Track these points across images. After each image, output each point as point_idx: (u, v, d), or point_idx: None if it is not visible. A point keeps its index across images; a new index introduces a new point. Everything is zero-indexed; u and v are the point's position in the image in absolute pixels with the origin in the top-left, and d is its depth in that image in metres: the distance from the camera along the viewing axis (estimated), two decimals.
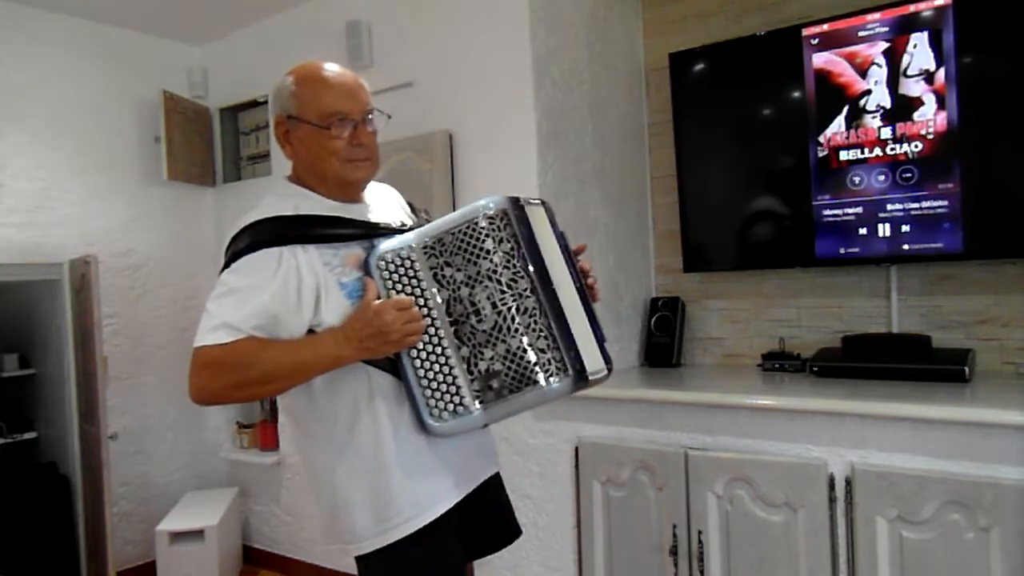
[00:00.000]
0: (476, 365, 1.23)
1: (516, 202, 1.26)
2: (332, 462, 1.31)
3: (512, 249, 1.22)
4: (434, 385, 1.24)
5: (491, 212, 1.23)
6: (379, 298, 1.24)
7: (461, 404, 1.23)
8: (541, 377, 1.19)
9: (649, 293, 2.89)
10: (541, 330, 1.20)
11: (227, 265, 1.25)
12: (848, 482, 1.87)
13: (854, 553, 1.86)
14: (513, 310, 1.21)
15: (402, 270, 1.27)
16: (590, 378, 1.22)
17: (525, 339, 1.20)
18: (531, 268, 1.22)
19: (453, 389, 1.24)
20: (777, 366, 2.46)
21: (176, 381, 3.56)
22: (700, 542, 2.08)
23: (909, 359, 2.16)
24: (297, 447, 1.42)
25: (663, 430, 2.19)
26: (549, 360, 1.20)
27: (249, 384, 1.20)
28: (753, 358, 2.62)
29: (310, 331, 1.26)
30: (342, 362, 1.23)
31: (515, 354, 1.20)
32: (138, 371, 3.42)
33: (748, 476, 2.00)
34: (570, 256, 1.36)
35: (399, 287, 1.26)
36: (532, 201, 1.33)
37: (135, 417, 3.40)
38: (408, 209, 1.52)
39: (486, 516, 1.47)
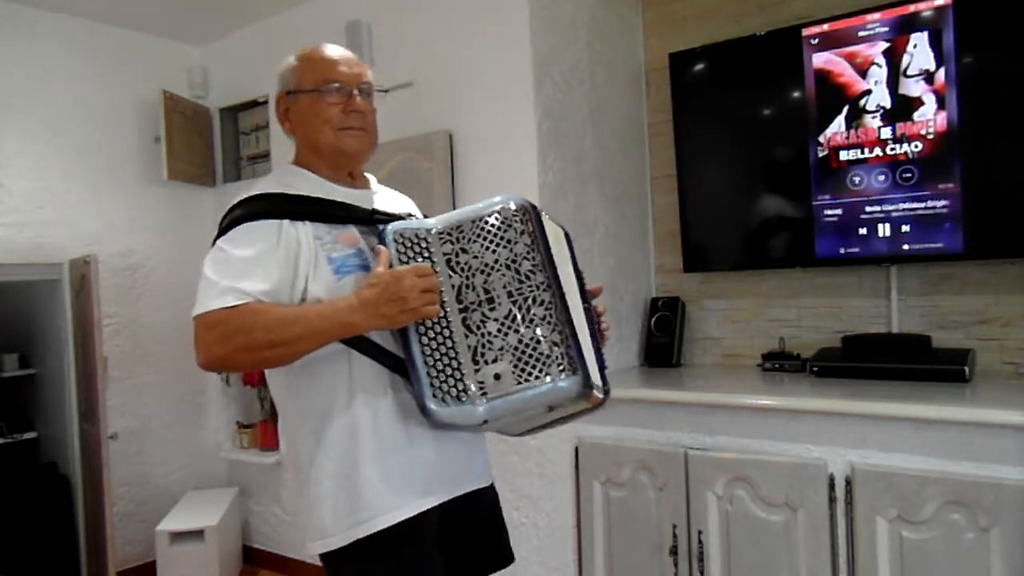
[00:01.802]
0: (483, 356, 1.18)
1: (534, 206, 1.26)
2: (309, 454, 1.27)
3: (533, 243, 1.21)
4: (439, 366, 1.19)
5: (514, 206, 1.23)
6: (391, 267, 1.21)
7: (465, 392, 1.17)
8: (554, 370, 1.15)
9: (649, 293, 2.89)
10: (556, 324, 1.17)
11: (223, 233, 1.24)
12: (848, 482, 1.87)
13: (854, 553, 1.86)
14: (530, 300, 1.19)
15: (417, 248, 1.24)
16: (593, 390, 1.18)
17: (539, 330, 1.17)
18: (547, 265, 1.21)
19: (458, 375, 1.18)
20: (777, 366, 2.46)
21: (176, 381, 3.56)
22: (700, 542, 2.08)
23: (909, 359, 2.16)
24: (282, 440, 1.38)
25: (663, 430, 2.19)
26: (562, 355, 1.16)
27: (256, 348, 1.16)
28: (753, 358, 2.62)
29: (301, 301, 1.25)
30: (353, 330, 1.19)
31: (528, 344, 1.17)
32: (138, 371, 3.42)
33: (748, 476, 2.00)
34: (583, 287, 1.35)
35: (411, 264, 1.22)
36: (553, 219, 1.33)
37: (135, 417, 3.40)
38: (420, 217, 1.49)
39: (474, 535, 1.40)
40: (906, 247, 2.23)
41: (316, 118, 1.31)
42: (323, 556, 1.27)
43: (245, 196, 1.29)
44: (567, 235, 1.40)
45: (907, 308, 2.36)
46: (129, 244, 3.41)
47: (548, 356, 1.16)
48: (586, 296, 1.35)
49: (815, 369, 2.28)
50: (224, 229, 1.25)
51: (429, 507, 1.27)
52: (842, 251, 2.33)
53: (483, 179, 2.57)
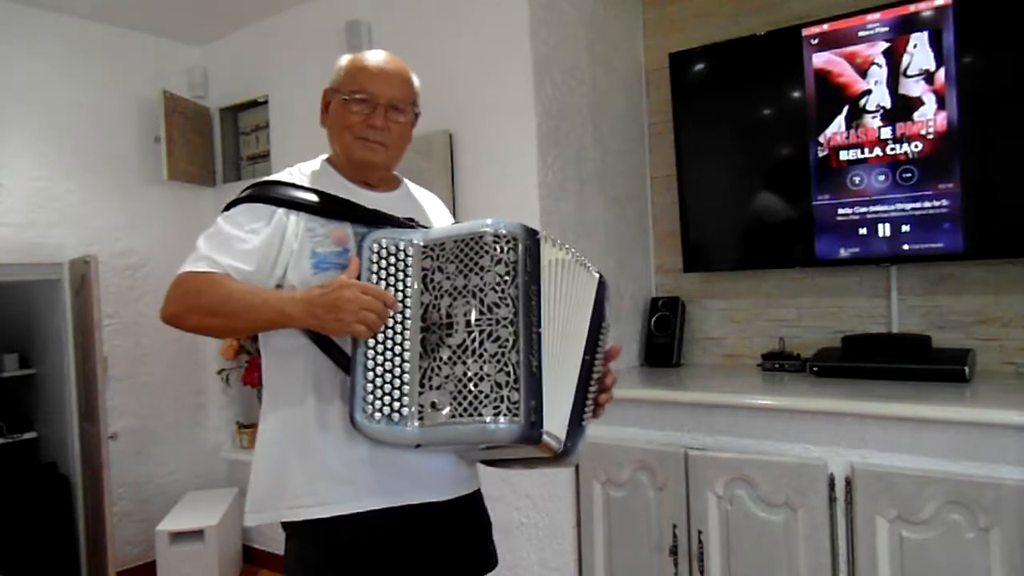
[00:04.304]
0: (430, 380, 1.15)
1: (533, 234, 1.20)
2: (263, 429, 1.35)
3: (507, 274, 1.15)
4: (379, 383, 1.15)
5: (500, 231, 1.17)
6: (358, 278, 1.20)
7: (399, 412, 1.14)
8: (488, 412, 1.10)
9: (649, 293, 2.89)
10: (506, 365, 1.12)
11: (227, 208, 1.33)
12: (848, 482, 1.87)
13: (854, 553, 1.86)
14: (484, 334, 1.13)
15: (392, 259, 1.21)
16: (543, 437, 1.12)
17: (486, 367, 1.12)
18: (520, 300, 1.14)
19: (397, 394, 1.15)
20: (777, 366, 2.46)
21: (176, 381, 3.56)
22: (700, 542, 2.08)
23: (909, 359, 2.16)
24: None
25: (663, 430, 2.19)
26: (503, 398, 1.10)
27: (199, 311, 1.23)
28: (753, 358, 2.62)
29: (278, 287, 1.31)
30: (286, 320, 1.20)
31: (471, 379, 1.12)
32: (138, 371, 3.42)
33: (748, 476, 2.00)
34: (595, 340, 1.29)
35: (383, 275, 1.20)
36: (584, 263, 1.28)
37: (135, 417, 3.40)
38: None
39: (446, 542, 1.37)
40: (906, 247, 2.23)
41: (340, 121, 1.36)
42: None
43: (259, 180, 1.37)
44: (602, 282, 1.32)
45: (907, 308, 2.36)
46: (129, 244, 3.41)
47: (486, 395, 1.11)
48: (595, 350, 1.29)
49: (815, 369, 2.28)
50: (227, 206, 1.33)
51: (353, 511, 1.27)
52: (842, 251, 2.33)
53: (483, 179, 2.57)
